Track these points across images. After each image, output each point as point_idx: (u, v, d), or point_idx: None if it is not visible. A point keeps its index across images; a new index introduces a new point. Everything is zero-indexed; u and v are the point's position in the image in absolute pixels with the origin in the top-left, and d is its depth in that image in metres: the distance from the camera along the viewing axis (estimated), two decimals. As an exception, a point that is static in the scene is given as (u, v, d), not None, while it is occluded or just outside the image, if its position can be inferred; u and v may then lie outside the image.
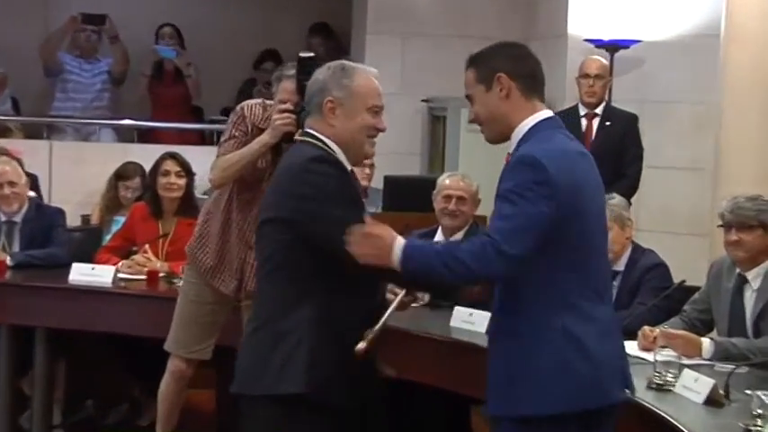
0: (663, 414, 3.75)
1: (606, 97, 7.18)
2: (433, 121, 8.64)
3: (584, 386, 3.23)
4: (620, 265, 5.31)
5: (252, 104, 5.18)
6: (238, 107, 5.21)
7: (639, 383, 4.07)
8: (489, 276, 3.31)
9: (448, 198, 5.77)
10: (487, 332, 3.60)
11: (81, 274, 6.03)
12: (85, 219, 7.66)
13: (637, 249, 5.40)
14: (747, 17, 6.75)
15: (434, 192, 5.86)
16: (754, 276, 4.74)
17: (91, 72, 9.29)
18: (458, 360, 4.88)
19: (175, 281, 5.90)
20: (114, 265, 6.18)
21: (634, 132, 7.08)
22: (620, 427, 4.10)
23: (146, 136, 9.15)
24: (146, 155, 7.29)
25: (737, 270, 4.79)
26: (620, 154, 6.91)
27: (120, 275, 6.06)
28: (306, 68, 4.67)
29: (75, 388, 6.66)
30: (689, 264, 5.41)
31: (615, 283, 5.27)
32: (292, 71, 4.85)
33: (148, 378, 6.50)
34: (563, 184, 3.17)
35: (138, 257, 6.26)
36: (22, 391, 6.30)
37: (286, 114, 4.78)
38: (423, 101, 8.35)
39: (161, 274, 6.09)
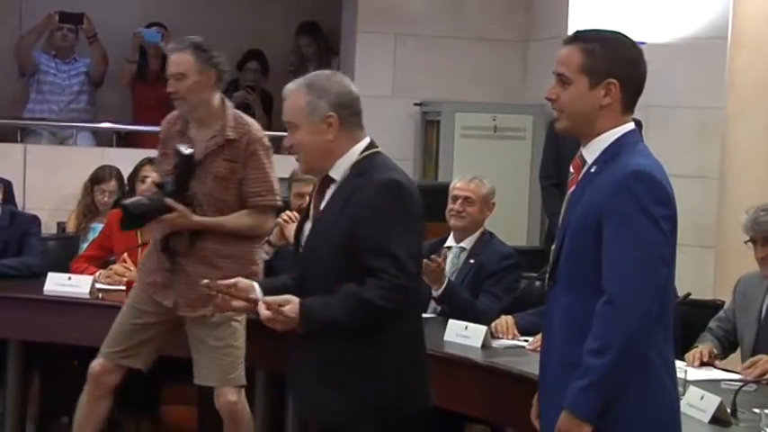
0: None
1: None
2: (426, 126, 8.64)
3: None
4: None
5: None
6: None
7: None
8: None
9: (454, 198, 5.83)
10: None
11: (57, 284, 6.02)
12: (61, 226, 7.65)
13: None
14: (754, 20, 6.76)
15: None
16: None
17: (68, 73, 9.27)
18: (451, 376, 4.88)
19: (155, 292, 5.89)
20: (92, 274, 6.17)
21: None
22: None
23: (126, 140, 9.13)
24: (125, 160, 7.29)
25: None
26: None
27: (99, 286, 6.05)
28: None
29: (50, 404, 6.65)
30: (694, 276, 5.42)
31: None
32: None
33: (128, 394, 6.50)
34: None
35: (116, 267, 6.27)
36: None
37: None
38: (415, 104, 8.36)
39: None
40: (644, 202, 3.07)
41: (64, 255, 6.73)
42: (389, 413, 3.63)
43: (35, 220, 6.72)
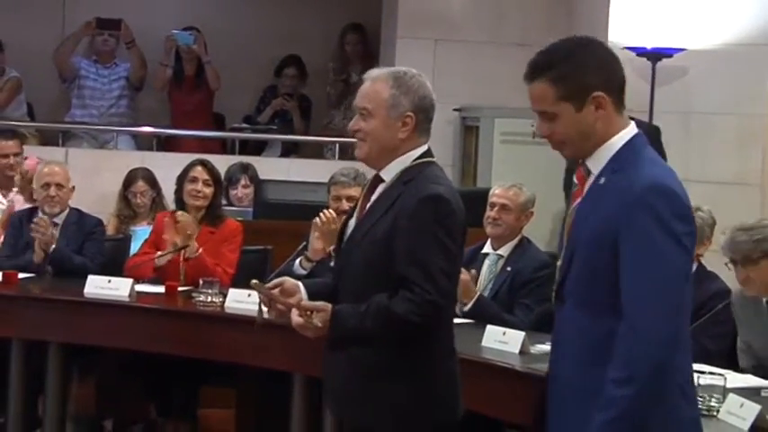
0: (706, 440, 3.74)
1: None
2: (465, 132, 8.66)
3: None
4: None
5: None
6: None
7: (681, 408, 4.10)
8: None
9: (492, 205, 5.82)
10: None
11: (97, 287, 6.04)
12: (101, 229, 7.73)
13: (701, 269, 5.35)
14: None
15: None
16: None
17: (108, 78, 9.37)
18: (489, 381, 4.89)
19: (195, 295, 5.92)
20: (152, 259, 6.25)
21: (655, 145, 7.05)
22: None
23: (165, 144, 9.20)
24: (165, 163, 7.35)
25: (764, 299, 4.82)
26: None
27: (138, 289, 6.09)
28: None
29: (93, 406, 6.70)
30: (733, 283, 5.39)
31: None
32: None
33: (165, 397, 6.55)
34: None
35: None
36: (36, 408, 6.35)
37: None
38: (455, 110, 8.37)
39: (180, 289, 6.13)
40: (665, 220, 2.92)
41: (116, 256, 6.77)
42: (419, 420, 3.63)
43: (99, 224, 6.79)
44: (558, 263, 3.21)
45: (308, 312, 3.54)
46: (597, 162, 3.07)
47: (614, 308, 2.94)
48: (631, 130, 3.09)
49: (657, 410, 2.93)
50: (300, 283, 3.72)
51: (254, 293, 3.74)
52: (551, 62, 3.05)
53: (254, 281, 3.64)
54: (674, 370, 2.97)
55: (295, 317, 3.56)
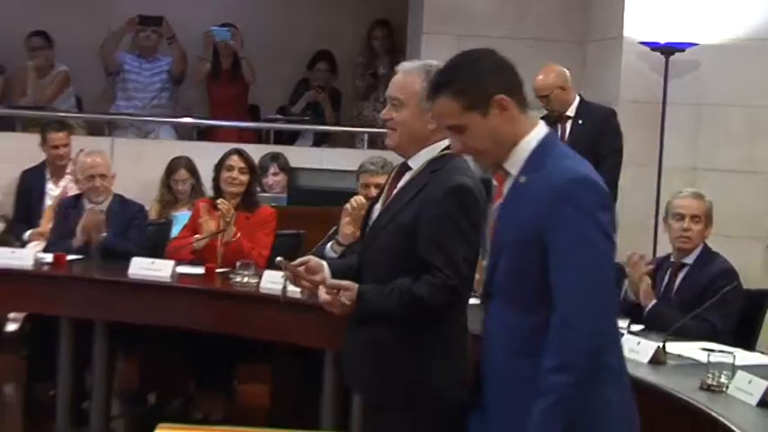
0: (716, 416, 3.72)
1: (576, 97, 7.13)
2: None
3: None
4: (690, 260, 5.31)
5: None
6: None
7: (692, 384, 4.09)
8: None
9: None
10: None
11: (140, 268, 6.08)
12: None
13: (707, 250, 5.33)
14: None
15: None
16: None
17: (151, 71, 9.39)
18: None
19: (232, 276, 5.94)
20: (191, 243, 6.29)
21: (609, 127, 7.04)
22: (673, 429, 4.11)
23: (204, 134, 9.22)
24: (204, 152, 7.38)
25: None
26: (594, 151, 6.80)
27: (179, 270, 6.11)
28: None
29: (137, 381, 6.74)
30: (740, 266, 5.37)
31: (681, 274, 5.32)
32: None
33: (204, 373, 6.58)
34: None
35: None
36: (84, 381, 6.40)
37: None
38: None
39: (218, 270, 6.15)
40: (589, 210, 2.86)
41: (158, 239, 6.77)
42: (430, 397, 3.62)
43: (141, 210, 6.83)
44: (484, 262, 3.17)
45: (336, 291, 3.54)
46: (514, 163, 3.00)
47: (540, 304, 2.89)
48: (541, 129, 3.03)
49: (592, 396, 2.89)
50: (324, 263, 3.72)
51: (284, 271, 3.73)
52: (450, 78, 3.01)
53: (279, 258, 3.65)
54: (608, 356, 2.93)
55: (323, 294, 3.56)
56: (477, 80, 2.97)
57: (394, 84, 3.70)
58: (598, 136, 6.95)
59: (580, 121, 7.02)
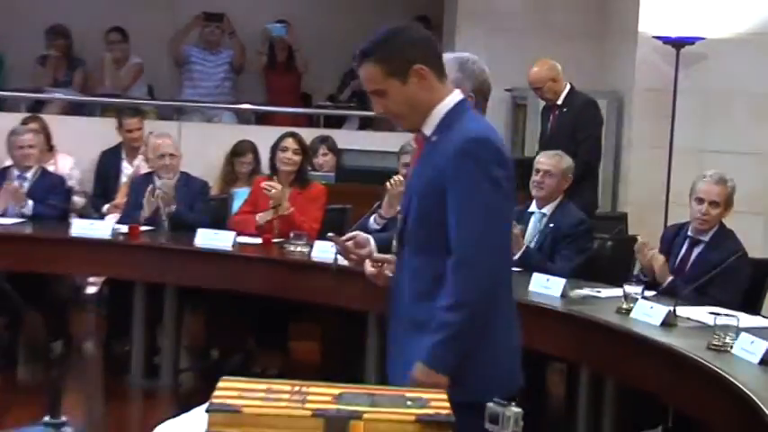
0: (721, 373, 3.72)
1: (566, 87, 7.08)
2: (515, 109, 8.63)
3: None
4: (706, 237, 5.26)
5: None
6: None
7: (700, 344, 4.07)
8: None
9: (537, 171, 5.80)
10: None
11: (205, 238, 6.12)
12: (207, 190, 7.81)
13: (722, 228, 5.28)
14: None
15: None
16: None
17: (214, 63, 9.43)
18: (535, 321, 4.88)
19: (286, 246, 5.96)
20: (254, 219, 6.32)
21: (587, 115, 7.01)
22: (682, 385, 4.10)
23: (262, 119, 9.24)
24: (262, 135, 7.40)
25: None
26: (573, 136, 6.81)
27: (239, 240, 6.14)
28: None
29: (202, 338, 6.78)
30: (744, 238, 5.36)
31: (697, 250, 5.27)
32: None
33: (262, 332, 6.61)
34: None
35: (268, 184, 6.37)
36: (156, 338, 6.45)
37: None
38: (506, 90, 8.33)
39: (274, 240, 6.17)
40: (484, 165, 2.84)
41: (220, 212, 6.81)
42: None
43: (205, 186, 6.86)
44: (399, 215, 3.15)
45: (380, 264, 3.53)
46: (430, 126, 2.97)
47: (443, 251, 2.87)
48: (456, 96, 3.00)
49: (483, 336, 2.87)
50: (371, 237, 3.71)
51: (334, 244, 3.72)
52: (374, 47, 2.94)
53: (330, 234, 3.64)
54: (498, 300, 2.92)
55: (368, 267, 3.54)
56: (399, 50, 2.92)
57: None
58: (578, 123, 6.95)
59: (565, 110, 7.04)
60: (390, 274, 3.51)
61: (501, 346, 2.96)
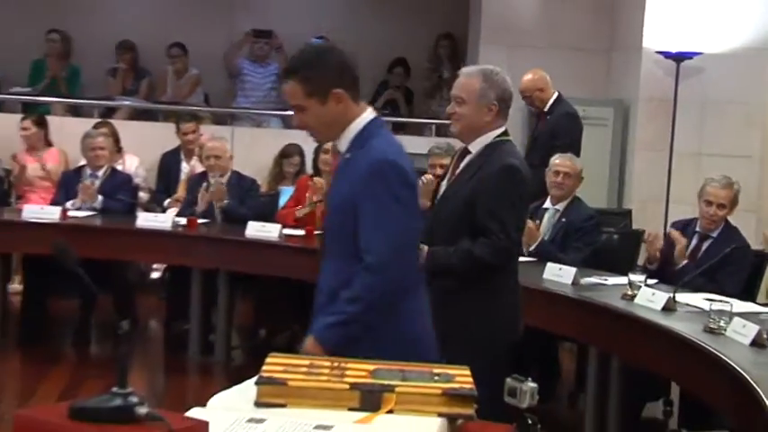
0: (716, 353, 3.70)
1: (553, 95, 6.94)
2: (531, 115, 8.59)
3: None
4: (714, 233, 5.27)
5: None
6: None
7: (697, 327, 4.05)
8: None
9: (557, 173, 5.77)
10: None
11: (254, 229, 6.14)
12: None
13: (728, 225, 5.29)
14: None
15: (547, 169, 5.83)
16: None
17: (263, 74, 9.44)
18: (548, 305, 4.87)
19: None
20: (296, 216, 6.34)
21: (564, 125, 6.81)
22: (680, 364, 4.07)
23: (305, 124, 9.25)
24: (306, 138, 7.33)
25: None
26: (550, 143, 6.60)
27: (285, 232, 6.15)
28: None
29: (252, 319, 6.80)
30: (755, 238, 5.38)
31: (706, 244, 5.28)
32: None
33: (304, 313, 6.61)
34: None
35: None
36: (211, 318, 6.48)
37: None
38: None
39: (316, 232, 6.18)
40: (392, 186, 2.84)
41: (268, 207, 6.82)
42: (486, 337, 3.58)
43: (254, 183, 6.87)
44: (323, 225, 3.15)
45: None
46: (344, 142, 2.94)
47: (355, 258, 2.86)
48: (369, 115, 2.95)
49: (387, 329, 2.86)
50: None
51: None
52: (299, 66, 2.90)
53: None
54: (404, 299, 2.91)
55: None
56: (320, 74, 2.87)
57: (457, 85, 3.69)
58: (555, 131, 6.80)
59: (548, 117, 6.94)
60: (421, 261, 3.51)
61: (400, 337, 2.90)
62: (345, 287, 2.87)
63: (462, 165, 3.69)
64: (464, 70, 3.75)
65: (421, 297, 3.03)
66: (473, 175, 3.61)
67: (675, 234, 5.32)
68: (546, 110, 6.95)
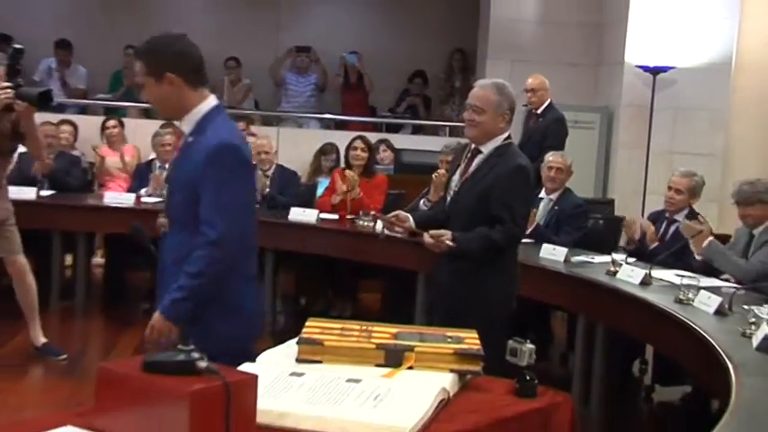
0: (685, 320, 3.68)
1: (547, 100, 6.84)
2: (525, 116, 8.56)
3: None
4: (680, 217, 5.21)
5: None
6: None
7: (668, 299, 4.02)
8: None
9: (550, 168, 5.74)
10: None
11: (296, 214, 6.15)
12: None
13: (692, 211, 5.23)
14: (751, 52, 6.55)
15: (543, 164, 5.77)
16: (758, 231, 4.63)
17: (304, 83, 9.42)
18: (544, 280, 4.85)
19: (357, 221, 5.96)
20: (331, 203, 6.31)
21: (554, 128, 6.71)
22: (655, 329, 4.05)
23: (339, 125, 9.24)
24: (340, 138, 7.39)
25: (751, 230, 4.69)
26: (541, 142, 6.52)
27: (321, 216, 6.15)
28: (17, 58, 4.20)
29: (293, 289, 6.82)
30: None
31: (673, 227, 5.22)
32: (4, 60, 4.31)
33: (338, 285, 6.63)
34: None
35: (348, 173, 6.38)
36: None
37: (7, 89, 4.15)
38: (524, 105, 8.24)
39: (347, 217, 6.17)
40: (230, 167, 2.64)
41: (308, 195, 6.80)
42: (495, 307, 3.57)
43: (296, 175, 6.86)
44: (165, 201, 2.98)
45: (438, 237, 3.52)
46: (187, 125, 2.76)
47: (196, 231, 2.66)
48: (211, 102, 2.77)
49: (226, 295, 2.68)
50: (409, 215, 3.73)
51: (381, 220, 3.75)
52: (145, 48, 2.76)
53: (378, 215, 3.68)
54: (241, 268, 2.72)
55: (428, 239, 3.54)
56: (159, 57, 2.72)
57: (475, 95, 3.64)
58: (546, 133, 6.70)
59: (541, 119, 6.87)
60: (451, 243, 3.48)
61: (235, 309, 2.73)
62: (187, 261, 2.67)
63: (475, 163, 3.67)
64: (479, 83, 3.71)
65: (253, 266, 2.82)
66: (487, 173, 3.59)
67: (645, 224, 5.33)
68: (539, 112, 6.90)
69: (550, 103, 6.93)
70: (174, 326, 2.62)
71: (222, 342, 2.45)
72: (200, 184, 2.65)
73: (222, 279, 2.66)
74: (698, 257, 4.79)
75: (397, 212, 3.74)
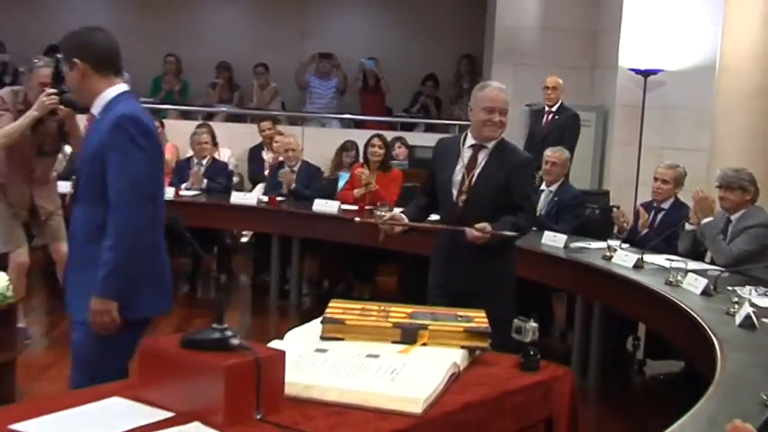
0: (674, 299, 3.66)
1: (560, 100, 6.80)
2: (530, 115, 8.52)
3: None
4: (666, 205, 5.18)
5: (4, 93, 4.38)
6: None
7: (660, 281, 3.99)
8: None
9: (546, 162, 5.66)
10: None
11: (319, 205, 6.14)
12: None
13: (677, 200, 5.20)
14: (733, 55, 6.48)
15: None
16: (735, 216, 4.57)
17: (326, 87, 9.41)
18: (545, 264, 4.83)
19: (375, 211, 5.93)
20: (353, 196, 6.29)
21: (572, 125, 6.70)
22: (647, 309, 4.02)
23: (358, 125, 9.23)
24: (359, 136, 7.38)
25: (727, 215, 4.62)
26: (561, 137, 6.49)
27: (343, 207, 6.13)
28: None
29: (317, 273, 6.81)
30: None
31: (660, 215, 5.18)
32: (41, 63, 4.24)
33: (358, 269, 6.62)
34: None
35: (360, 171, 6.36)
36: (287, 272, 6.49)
37: (53, 96, 4.06)
38: (526, 105, 8.21)
39: (366, 207, 6.15)
40: (132, 136, 2.55)
41: (330, 189, 6.79)
42: (502, 283, 3.58)
43: (319, 170, 6.84)
44: (74, 176, 2.86)
45: (482, 229, 3.43)
46: (97, 108, 2.67)
47: (106, 204, 2.56)
48: (120, 88, 2.68)
49: (138, 267, 2.58)
50: (403, 215, 3.70)
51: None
52: (61, 40, 2.71)
53: (379, 213, 3.69)
54: (149, 233, 2.62)
55: (474, 233, 3.44)
56: (70, 46, 2.68)
57: (501, 99, 3.57)
58: (565, 128, 6.67)
59: (557, 117, 6.81)
60: (492, 230, 3.41)
61: (151, 276, 2.67)
62: (99, 233, 2.57)
63: (482, 157, 3.60)
64: (496, 85, 3.65)
65: (161, 231, 2.70)
66: (500, 166, 3.55)
67: (641, 211, 5.30)
68: (554, 110, 6.86)
69: (563, 104, 6.91)
70: (111, 301, 2.54)
71: (150, 302, 2.56)
72: (106, 153, 2.56)
73: (137, 245, 2.56)
74: (691, 226, 4.72)
75: (392, 214, 3.78)
